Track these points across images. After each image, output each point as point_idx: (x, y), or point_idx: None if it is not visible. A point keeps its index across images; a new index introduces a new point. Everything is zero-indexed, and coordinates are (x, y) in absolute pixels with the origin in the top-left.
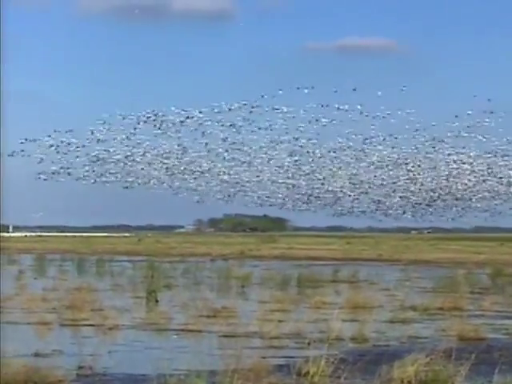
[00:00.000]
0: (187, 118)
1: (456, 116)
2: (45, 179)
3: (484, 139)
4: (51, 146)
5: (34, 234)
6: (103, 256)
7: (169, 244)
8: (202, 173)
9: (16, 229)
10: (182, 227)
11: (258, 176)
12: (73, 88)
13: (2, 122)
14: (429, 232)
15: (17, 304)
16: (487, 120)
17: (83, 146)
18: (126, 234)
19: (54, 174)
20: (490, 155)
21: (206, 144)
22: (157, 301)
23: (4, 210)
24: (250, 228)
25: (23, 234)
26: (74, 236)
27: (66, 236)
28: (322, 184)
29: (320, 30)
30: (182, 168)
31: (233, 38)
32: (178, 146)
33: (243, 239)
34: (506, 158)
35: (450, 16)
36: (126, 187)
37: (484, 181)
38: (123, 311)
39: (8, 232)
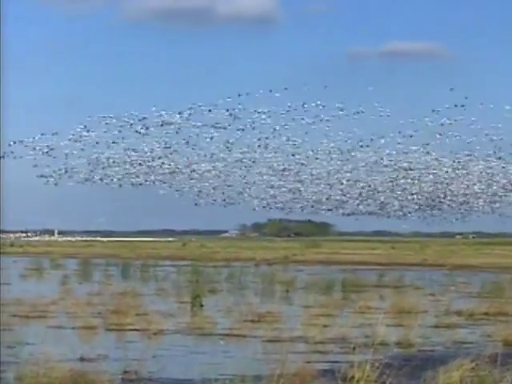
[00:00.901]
0: (170, 123)
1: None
2: (55, 183)
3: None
4: (36, 148)
5: (80, 238)
6: (148, 261)
7: (213, 249)
8: (196, 174)
9: (61, 233)
10: (226, 232)
11: (257, 178)
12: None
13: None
14: (473, 237)
15: (62, 308)
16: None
17: (82, 149)
18: (171, 239)
19: (51, 177)
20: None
21: (189, 144)
22: (201, 305)
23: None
24: (295, 233)
25: (68, 239)
26: (119, 241)
27: (110, 241)
28: (329, 188)
29: (364, 35)
30: (182, 170)
31: (277, 42)
32: (168, 147)
33: (287, 244)
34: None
35: (497, 18)
36: (120, 185)
37: (489, 185)
38: (168, 316)
39: (54, 236)
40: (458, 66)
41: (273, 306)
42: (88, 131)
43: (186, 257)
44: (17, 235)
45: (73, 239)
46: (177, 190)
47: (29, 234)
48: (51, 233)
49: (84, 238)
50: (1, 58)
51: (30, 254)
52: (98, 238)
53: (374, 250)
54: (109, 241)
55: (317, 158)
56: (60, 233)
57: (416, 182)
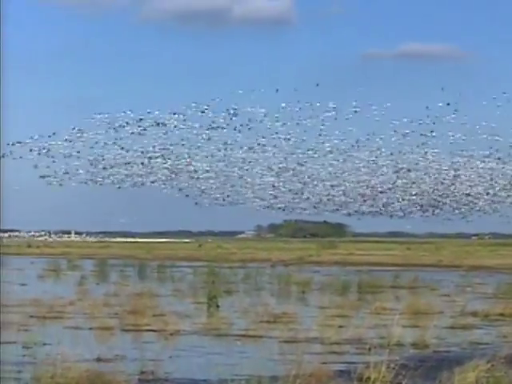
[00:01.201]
0: (166, 123)
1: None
2: (60, 184)
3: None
4: (33, 149)
5: (93, 239)
6: (164, 261)
7: (229, 250)
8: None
9: (78, 234)
10: (242, 233)
11: (258, 178)
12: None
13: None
14: (489, 238)
15: (79, 309)
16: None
17: (78, 152)
18: (187, 240)
19: (54, 177)
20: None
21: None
22: (218, 306)
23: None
24: (311, 234)
25: (79, 239)
26: (136, 241)
27: (127, 241)
28: (332, 187)
29: (379, 37)
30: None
31: (290, 44)
32: (166, 148)
33: (303, 245)
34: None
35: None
36: (119, 187)
37: (492, 185)
38: (184, 316)
39: (69, 237)
40: (472, 66)
41: (289, 307)
42: (83, 132)
43: (202, 258)
44: (30, 234)
45: (88, 239)
46: (179, 190)
47: (41, 234)
48: (67, 233)
49: (98, 239)
50: (1, 58)
51: (47, 255)
52: (108, 239)
53: (390, 250)
54: (125, 241)
55: (313, 157)
56: (77, 233)
57: (416, 182)
